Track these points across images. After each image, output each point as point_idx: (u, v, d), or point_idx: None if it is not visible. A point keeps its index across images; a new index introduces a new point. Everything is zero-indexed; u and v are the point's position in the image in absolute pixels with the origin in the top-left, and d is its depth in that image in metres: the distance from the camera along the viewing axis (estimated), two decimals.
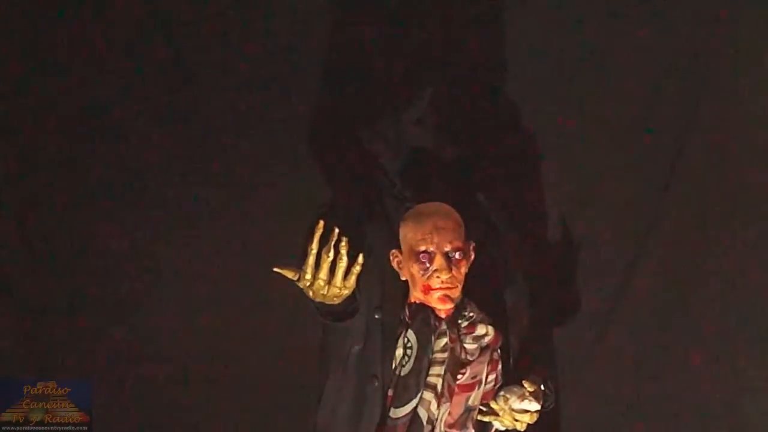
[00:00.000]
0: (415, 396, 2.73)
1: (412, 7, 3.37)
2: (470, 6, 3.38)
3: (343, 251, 2.51)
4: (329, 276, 2.53)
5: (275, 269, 2.54)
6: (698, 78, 3.40)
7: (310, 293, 2.57)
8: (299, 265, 2.54)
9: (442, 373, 2.74)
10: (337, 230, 2.50)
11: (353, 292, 2.62)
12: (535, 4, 3.39)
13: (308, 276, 2.53)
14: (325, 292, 2.55)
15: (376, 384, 2.76)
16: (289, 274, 2.55)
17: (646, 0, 3.41)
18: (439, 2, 3.39)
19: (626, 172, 3.42)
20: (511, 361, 2.84)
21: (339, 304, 2.62)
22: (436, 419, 2.75)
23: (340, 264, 2.52)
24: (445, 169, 3.11)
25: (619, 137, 3.41)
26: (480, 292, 2.85)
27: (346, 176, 3.25)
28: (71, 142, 3.36)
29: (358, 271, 2.54)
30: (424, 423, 2.74)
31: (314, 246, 2.51)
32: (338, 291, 2.55)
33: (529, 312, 2.93)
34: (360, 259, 2.53)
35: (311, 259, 2.52)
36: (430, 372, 2.74)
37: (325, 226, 2.51)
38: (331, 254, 2.50)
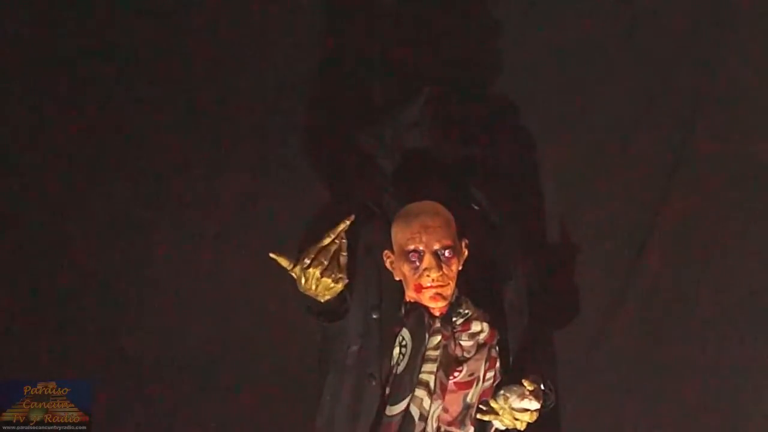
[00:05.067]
0: (410, 393, 2.74)
1: (409, 10, 3.37)
2: (468, 7, 3.39)
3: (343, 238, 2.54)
4: (325, 264, 2.54)
5: (271, 255, 2.55)
6: (699, 78, 3.40)
7: (302, 282, 2.57)
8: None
9: (434, 370, 2.75)
10: (350, 220, 2.54)
11: (343, 293, 2.63)
12: (533, 6, 3.39)
13: (306, 261, 2.53)
14: (317, 284, 2.56)
15: (374, 383, 2.77)
16: (284, 262, 2.56)
17: (645, 0, 3.41)
18: (436, 4, 3.39)
19: (626, 172, 3.41)
20: (511, 359, 2.85)
21: (330, 302, 2.63)
22: (428, 416, 2.75)
23: (337, 250, 2.54)
24: (443, 170, 3.11)
25: (618, 138, 3.41)
26: (479, 291, 2.85)
27: (344, 178, 3.25)
28: (70, 143, 3.36)
29: (345, 261, 2.55)
30: (416, 420, 2.75)
31: (330, 236, 2.53)
32: (330, 282, 2.56)
33: (529, 311, 2.94)
34: (344, 243, 2.55)
35: (316, 247, 2.53)
36: (423, 369, 2.75)
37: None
38: (337, 242, 2.52)
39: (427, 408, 2.75)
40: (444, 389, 2.77)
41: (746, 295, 3.39)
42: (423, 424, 2.76)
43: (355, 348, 2.81)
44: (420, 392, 2.75)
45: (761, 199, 3.39)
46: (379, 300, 2.82)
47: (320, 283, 2.57)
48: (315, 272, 2.54)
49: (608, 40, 3.38)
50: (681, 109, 3.39)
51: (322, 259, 2.54)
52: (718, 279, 3.39)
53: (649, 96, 3.40)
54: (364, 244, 2.84)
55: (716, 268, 3.39)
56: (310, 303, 2.65)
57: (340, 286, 2.58)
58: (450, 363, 2.77)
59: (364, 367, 2.79)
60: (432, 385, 2.75)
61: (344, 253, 2.56)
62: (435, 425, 2.77)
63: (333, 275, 2.55)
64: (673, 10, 3.38)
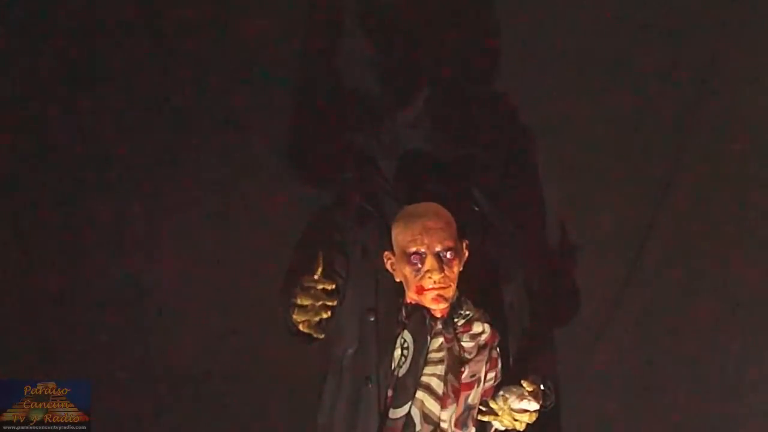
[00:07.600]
0: (413, 396, 2.74)
1: (407, 10, 3.37)
2: (467, 7, 3.38)
3: (330, 304, 2.52)
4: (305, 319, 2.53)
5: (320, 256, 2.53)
6: (699, 77, 3.40)
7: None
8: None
9: (442, 373, 2.75)
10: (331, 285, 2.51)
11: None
12: (532, 4, 3.39)
13: (295, 303, 2.53)
14: (299, 323, 2.56)
15: (370, 386, 2.77)
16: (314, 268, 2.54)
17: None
18: (435, 3, 3.39)
19: (626, 172, 3.41)
20: (511, 360, 2.85)
21: (298, 329, 2.61)
22: (439, 419, 2.75)
23: (325, 313, 2.52)
24: (442, 170, 3.10)
25: (619, 137, 3.41)
26: (479, 291, 2.85)
27: (342, 178, 3.24)
28: (68, 141, 3.36)
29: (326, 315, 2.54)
30: (417, 422, 2.75)
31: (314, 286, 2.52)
32: (309, 330, 2.55)
33: (529, 311, 2.93)
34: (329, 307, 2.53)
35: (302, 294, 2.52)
36: (425, 372, 2.74)
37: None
38: (318, 304, 2.51)
39: (434, 411, 2.74)
40: (456, 393, 2.76)
41: (746, 295, 3.39)
42: (431, 427, 2.75)
43: (351, 351, 2.81)
44: (420, 394, 2.74)
45: (761, 198, 3.39)
46: (375, 302, 2.81)
47: (301, 325, 2.56)
48: (299, 319, 2.54)
49: (608, 39, 3.37)
50: (681, 109, 3.39)
51: (303, 319, 2.52)
52: (717, 279, 3.40)
53: (649, 96, 3.40)
54: (361, 246, 2.84)
55: (716, 267, 3.39)
56: (288, 317, 2.62)
57: (313, 330, 2.57)
58: (455, 365, 2.77)
59: (361, 370, 2.78)
60: (437, 387, 2.74)
61: (326, 314, 2.53)
62: (453, 429, 2.77)
63: (314, 330, 2.55)
64: (674, 8, 3.38)
